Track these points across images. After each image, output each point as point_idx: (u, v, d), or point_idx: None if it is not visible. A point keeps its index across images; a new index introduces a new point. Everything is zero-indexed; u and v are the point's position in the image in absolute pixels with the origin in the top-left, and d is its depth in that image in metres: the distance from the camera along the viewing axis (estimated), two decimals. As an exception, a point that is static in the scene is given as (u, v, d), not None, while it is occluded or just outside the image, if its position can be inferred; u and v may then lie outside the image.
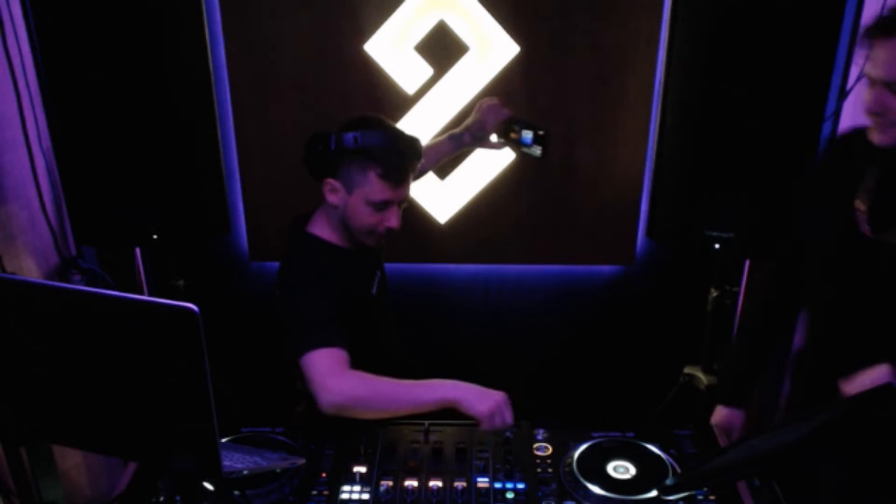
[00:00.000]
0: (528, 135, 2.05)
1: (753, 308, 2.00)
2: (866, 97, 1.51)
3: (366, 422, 1.78)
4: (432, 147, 2.17)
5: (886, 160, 1.54)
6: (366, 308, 1.92)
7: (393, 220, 1.79)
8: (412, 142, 1.80)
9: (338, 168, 1.75)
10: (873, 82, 1.48)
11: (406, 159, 1.77)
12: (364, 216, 1.78)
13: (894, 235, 1.57)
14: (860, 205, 1.60)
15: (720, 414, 1.94)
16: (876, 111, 1.48)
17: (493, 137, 2.14)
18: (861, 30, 1.50)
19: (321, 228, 1.86)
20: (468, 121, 2.14)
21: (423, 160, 1.91)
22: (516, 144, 2.09)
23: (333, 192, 1.78)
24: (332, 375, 1.64)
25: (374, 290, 1.97)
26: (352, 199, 1.77)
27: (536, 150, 2.04)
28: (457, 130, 2.15)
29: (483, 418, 1.61)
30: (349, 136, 1.72)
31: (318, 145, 1.75)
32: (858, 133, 1.60)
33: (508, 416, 1.63)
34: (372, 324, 1.97)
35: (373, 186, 1.74)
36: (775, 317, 1.91)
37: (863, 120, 1.59)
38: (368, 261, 1.97)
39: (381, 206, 1.76)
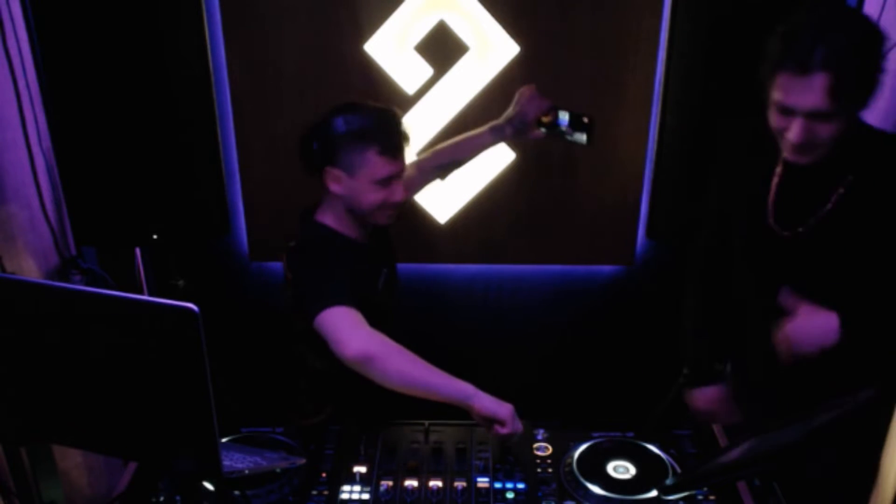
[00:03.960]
0: (564, 117, 2.03)
1: (692, 302, 1.99)
2: (779, 123, 1.52)
3: (365, 422, 1.78)
4: (470, 138, 2.16)
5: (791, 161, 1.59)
6: (366, 302, 1.92)
7: (398, 193, 1.85)
8: (395, 114, 1.86)
9: (335, 155, 1.79)
10: (790, 111, 1.49)
11: (398, 132, 1.83)
12: (371, 195, 1.82)
13: (798, 230, 1.63)
14: (769, 201, 1.68)
15: (700, 396, 1.91)
16: (804, 141, 1.49)
17: (537, 129, 2.10)
18: (775, 61, 1.48)
19: (328, 217, 1.89)
20: (509, 112, 2.11)
21: (459, 152, 2.07)
22: (560, 134, 2.05)
23: (336, 181, 1.81)
24: (359, 328, 1.67)
25: (378, 286, 1.97)
26: (356, 182, 1.80)
27: (582, 138, 2.02)
28: (498, 122, 2.12)
29: (507, 420, 1.63)
30: (339, 121, 1.78)
31: (312, 137, 1.81)
32: (758, 128, 1.62)
33: (520, 425, 1.67)
34: (370, 319, 1.97)
35: (376, 164, 1.79)
36: (714, 306, 1.94)
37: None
38: (377, 255, 1.98)
39: (386, 182, 1.81)
